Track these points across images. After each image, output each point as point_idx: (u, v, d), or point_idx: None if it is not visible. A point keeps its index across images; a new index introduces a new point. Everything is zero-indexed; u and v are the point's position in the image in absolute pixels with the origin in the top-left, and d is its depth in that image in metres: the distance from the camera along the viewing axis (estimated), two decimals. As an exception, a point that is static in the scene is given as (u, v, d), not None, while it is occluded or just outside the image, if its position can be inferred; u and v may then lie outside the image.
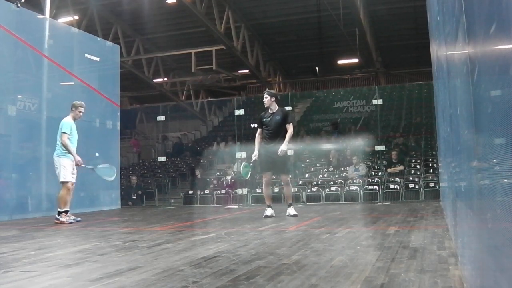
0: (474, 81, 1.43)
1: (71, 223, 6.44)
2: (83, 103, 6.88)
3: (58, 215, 6.51)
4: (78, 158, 6.66)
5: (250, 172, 7.02)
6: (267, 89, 7.05)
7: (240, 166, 7.14)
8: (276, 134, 6.63)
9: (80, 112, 6.76)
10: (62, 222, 6.41)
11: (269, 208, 6.61)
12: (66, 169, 6.56)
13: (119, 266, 2.97)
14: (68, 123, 6.66)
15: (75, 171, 6.70)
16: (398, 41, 18.56)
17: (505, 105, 0.96)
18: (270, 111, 6.73)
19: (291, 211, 6.62)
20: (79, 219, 6.69)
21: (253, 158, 6.71)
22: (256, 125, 7.06)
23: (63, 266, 3.04)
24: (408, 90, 18.21)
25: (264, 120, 6.72)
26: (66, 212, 6.54)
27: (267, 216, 6.45)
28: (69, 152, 6.60)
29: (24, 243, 4.38)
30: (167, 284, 2.40)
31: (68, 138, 6.58)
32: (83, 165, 6.74)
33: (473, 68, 1.44)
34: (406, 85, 18.80)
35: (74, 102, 6.83)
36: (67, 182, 6.54)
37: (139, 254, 3.48)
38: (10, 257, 3.50)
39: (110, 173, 7.28)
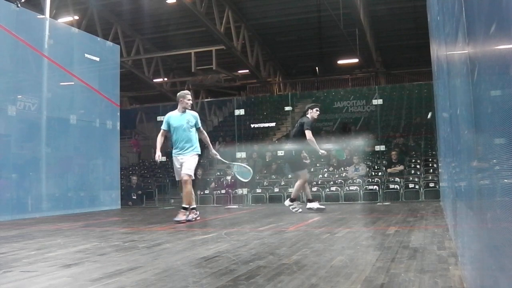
0: (474, 81, 1.43)
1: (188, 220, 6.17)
2: (184, 92, 6.53)
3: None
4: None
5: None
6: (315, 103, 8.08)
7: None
8: None
9: (184, 99, 6.32)
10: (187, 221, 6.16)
11: (315, 202, 7.44)
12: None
13: (119, 266, 2.97)
14: (166, 116, 6.41)
15: (178, 167, 6.32)
16: (398, 41, 18.55)
17: (505, 105, 0.96)
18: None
19: (319, 205, 7.48)
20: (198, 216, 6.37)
21: (323, 153, 7.86)
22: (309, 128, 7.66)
23: (63, 266, 3.04)
24: (408, 90, 18.16)
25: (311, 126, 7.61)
26: (192, 209, 6.28)
27: (319, 209, 7.24)
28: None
29: (24, 243, 4.38)
30: (167, 284, 2.40)
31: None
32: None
33: (473, 68, 1.44)
34: (406, 85, 18.76)
35: (178, 94, 6.44)
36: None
37: (139, 254, 3.48)
38: (10, 257, 3.50)
39: (245, 175, 6.96)
